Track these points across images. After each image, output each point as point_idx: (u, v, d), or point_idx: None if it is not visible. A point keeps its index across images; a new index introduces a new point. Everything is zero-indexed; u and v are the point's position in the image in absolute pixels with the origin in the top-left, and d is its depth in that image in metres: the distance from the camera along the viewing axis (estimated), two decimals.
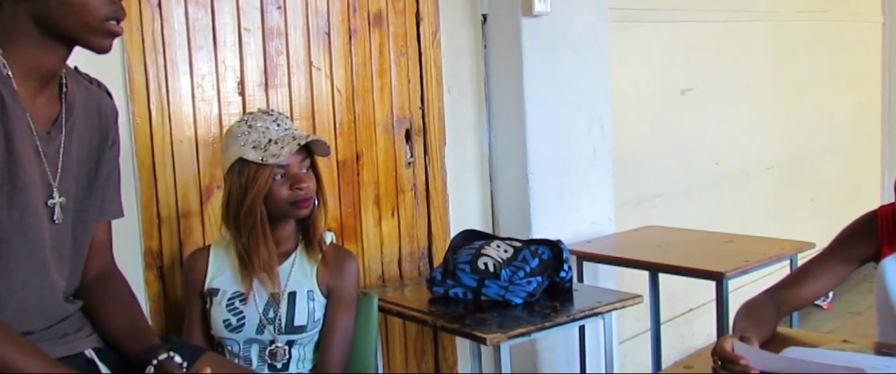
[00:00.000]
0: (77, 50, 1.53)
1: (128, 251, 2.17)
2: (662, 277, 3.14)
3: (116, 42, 1.55)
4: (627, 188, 3.55)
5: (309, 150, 2.04)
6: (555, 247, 2.50)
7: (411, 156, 2.87)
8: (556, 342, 3.05)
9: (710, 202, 4.09)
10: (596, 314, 2.36)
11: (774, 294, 1.88)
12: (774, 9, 4.52)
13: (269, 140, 1.98)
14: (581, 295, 2.48)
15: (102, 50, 1.51)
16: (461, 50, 3.00)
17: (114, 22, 1.49)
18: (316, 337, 2.08)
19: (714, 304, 2.70)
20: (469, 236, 2.61)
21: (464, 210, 3.03)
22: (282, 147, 1.96)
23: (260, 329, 2.04)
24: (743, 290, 2.42)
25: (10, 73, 1.46)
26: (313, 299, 2.06)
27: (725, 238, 3.08)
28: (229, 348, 2.06)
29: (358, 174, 2.73)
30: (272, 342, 2.04)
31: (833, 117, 5.10)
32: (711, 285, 2.66)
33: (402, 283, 2.80)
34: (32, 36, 1.47)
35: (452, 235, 2.76)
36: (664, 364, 3.36)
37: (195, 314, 2.11)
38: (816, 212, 4.84)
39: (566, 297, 2.45)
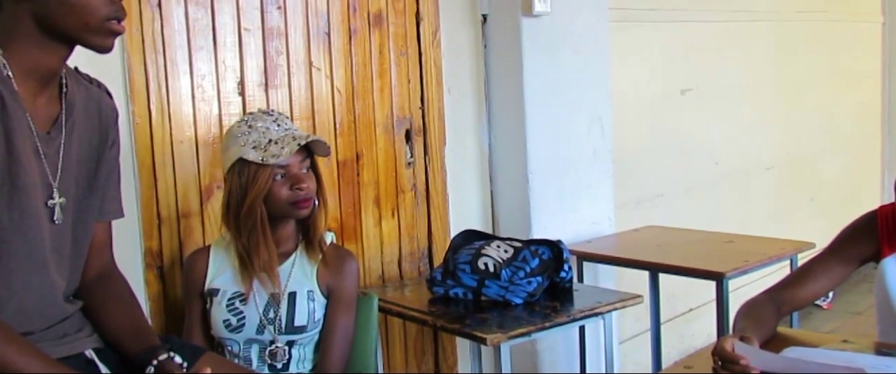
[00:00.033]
0: (77, 50, 1.52)
1: (128, 251, 2.17)
2: (662, 277, 3.14)
3: (116, 42, 1.54)
4: (627, 188, 3.55)
5: (309, 150, 2.04)
6: (555, 247, 2.50)
7: (411, 156, 2.87)
8: (556, 343, 3.05)
9: (711, 202, 4.09)
10: (596, 314, 2.36)
11: (774, 294, 1.88)
12: (774, 9, 4.52)
13: (270, 140, 1.98)
14: (581, 295, 2.48)
15: (104, 49, 1.51)
16: (461, 50, 3.00)
17: (115, 21, 1.48)
18: (316, 337, 2.08)
19: (714, 304, 2.70)
20: (469, 237, 2.61)
21: (464, 210, 3.03)
22: (282, 147, 1.96)
23: (260, 329, 2.04)
24: (743, 290, 2.42)
25: (10, 73, 1.46)
26: (313, 300, 2.06)
27: (725, 238, 3.08)
28: (229, 348, 2.06)
29: (358, 174, 2.73)
30: (272, 342, 2.04)
31: (833, 117, 5.10)
32: (711, 285, 2.66)
33: (402, 283, 2.80)
34: (33, 36, 1.47)
35: (452, 235, 2.76)
36: (664, 364, 3.36)
37: (195, 315, 2.11)
38: (816, 212, 4.84)
39: (566, 297, 2.45)
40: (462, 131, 3.02)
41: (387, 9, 2.77)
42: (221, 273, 2.09)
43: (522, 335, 2.20)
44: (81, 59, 1.61)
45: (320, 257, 2.10)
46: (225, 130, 2.16)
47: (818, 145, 4.98)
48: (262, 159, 1.96)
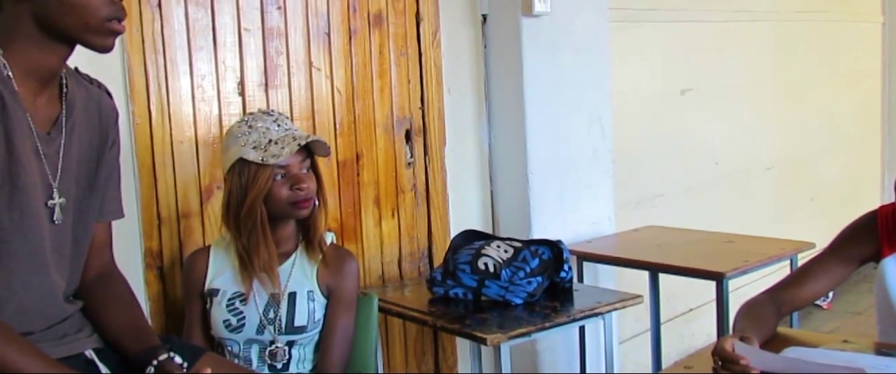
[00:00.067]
0: (77, 50, 1.52)
1: (128, 251, 2.17)
2: (662, 277, 3.14)
3: (116, 42, 1.54)
4: (628, 188, 3.55)
5: (309, 150, 2.04)
6: (555, 247, 2.50)
7: (411, 156, 2.87)
8: (556, 343, 3.05)
9: (711, 202, 4.09)
10: (596, 315, 2.36)
11: (774, 294, 1.88)
12: (774, 9, 4.52)
13: (270, 140, 1.98)
14: (581, 295, 2.48)
15: (104, 49, 1.51)
16: (461, 50, 3.00)
17: (115, 21, 1.48)
18: (316, 338, 2.08)
19: (714, 304, 2.70)
20: (469, 237, 2.61)
21: (464, 210, 3.03)
22: (282, 147, 1.96)
23: (260, 330, 2.04)
24: (743, 290, 2.42)
25: (10, 73, 1.46)
26: (313, 300, 2.06)
27: (725, 238, 3.08)
28: (229, 348, 2.06)
29: (358, 175, 2.73)
30: (272, 342, 2.04)
31: (833, 117, 5.10)
32: (711, 285, 2.66)
33: (402, 283, 2.80)
34: (33, 36, 1.47)
35: (452, 235, 2.76)
36: (664, 364, 3.36)
37: (195, 315, 2.11)
38: (816, 212, 4.84)
39: (566, 297, 2.45)
40: (462, 131, 3.02)
41: (387, 9, 2.77)
42: (221, 273, 2.09)
43: (522, 335, 2.20)
44: (81, 59, 1.61)
45: (320, 257, 2.10)
46: (225, 131, 2.16)
47: (818, 145, 4.98)
48: (263, 159, 1.96)
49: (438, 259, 2.89)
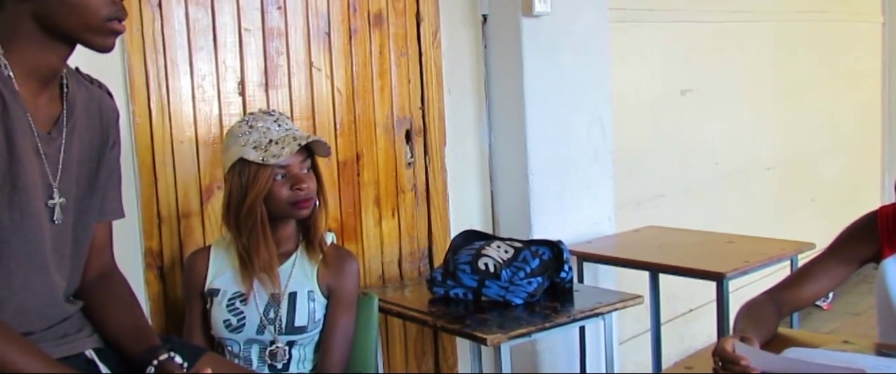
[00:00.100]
0: (78, 50, 1.52)
1: (128, 251, 2.17)
2: (662, 277, 3.14)
3: (117, 42, 1.54)
4: (628, 189, 3.55)
5: (309, 150, 2.04)
6: (555, 247, 2.50)
7: (411, 156, 2.87)
8: (556, 343, 3.05)
9: (711, 203, 4.09)
10: (596, 315, 2.36)
11: (775, 295, 1.88)
12: (774, 9, 4.52)
13: (270, 140, 1.98)
14: (581, 296, 2.48)
15: (105, 49, 1.51)
16: (461, 50, 3.00)
17: (115, 21, 1.48)
18: (316, 338, 2.08)
19: (714, 304, 2.70)
20: (469, 237, 2.61)
21: (464, 210, 3.03)
22: (282, 147, 1.96)
23: (260, 330, 2.04)
24: (743, 290, 2.42)
25: (11, 73, 1.46)
26: (314, 300, 2.06)
27: (726, 239, 3.08)
28: (229, 348, 2.06)
29: (358, 174, 2.73)
30: (272, 342, 2.04)
31: (833, 117, 5.10)
32: (712, 285, 2.66)
33: (402, 283, 2.80)
34: (34, 36, 1.47)
35: (452, 235, 2.76)
36: (664, 365, 3.36)
37: (195, 315, 2.11)
38: (817, 212, 4.84)
39: (566, 297, 2.45)
40: (462, 131, 3.02)
41: (387, 9, 2.77)
42: (222, 273, 2.09)
43: (522, 335, 2.20)
44: (81, 59, 1.61)
45: (320, 257, 2.10)
46: (225, 130, 2.16)
47: (818, 145, 4.98)
48: (263, 159, 1.96)
49: (438, 259, 2.89)
